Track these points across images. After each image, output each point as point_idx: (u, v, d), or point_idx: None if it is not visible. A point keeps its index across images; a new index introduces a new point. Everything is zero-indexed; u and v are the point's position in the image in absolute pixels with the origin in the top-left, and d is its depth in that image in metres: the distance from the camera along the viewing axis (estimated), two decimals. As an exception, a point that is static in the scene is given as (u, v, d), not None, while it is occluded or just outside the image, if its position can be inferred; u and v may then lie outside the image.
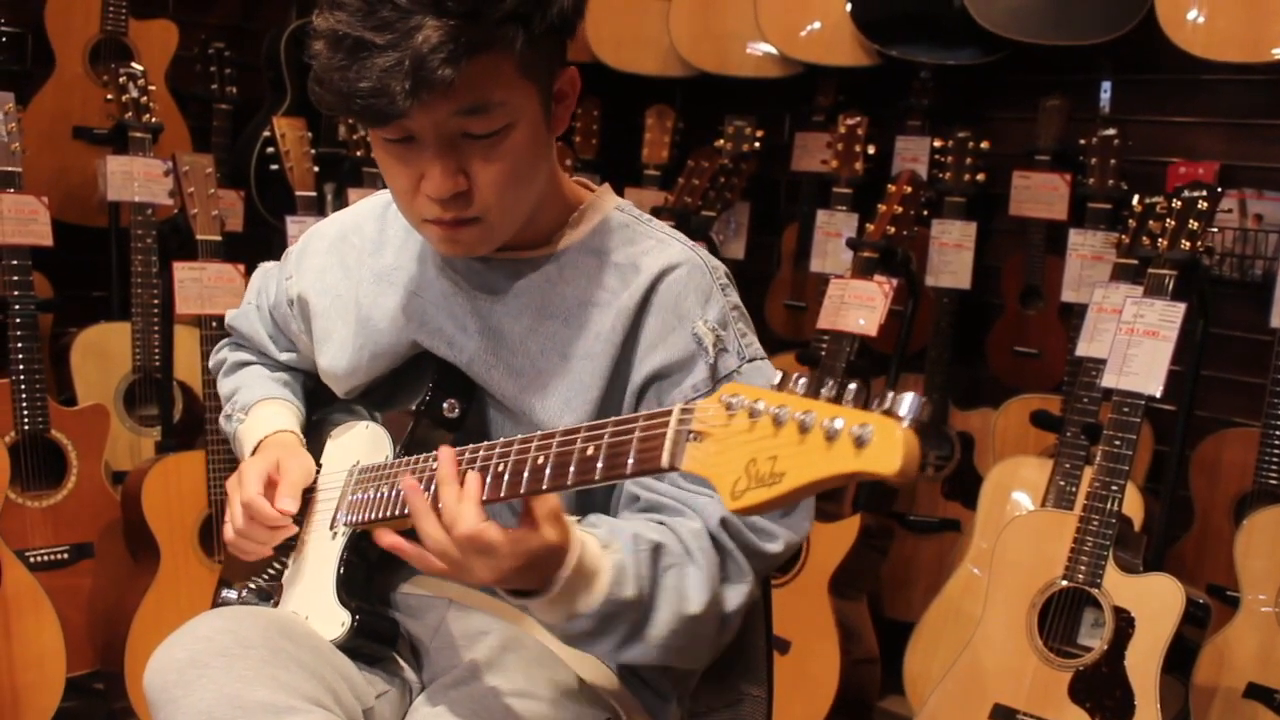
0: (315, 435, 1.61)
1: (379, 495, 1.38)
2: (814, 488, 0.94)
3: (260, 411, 1.61)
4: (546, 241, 1.43)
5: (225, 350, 1.77)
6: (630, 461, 1.08)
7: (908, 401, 0.91)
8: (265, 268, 1.73)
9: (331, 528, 1.46)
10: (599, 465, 1.11)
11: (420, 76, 1.18)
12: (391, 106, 1.20)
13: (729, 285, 1.43)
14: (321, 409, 1.63)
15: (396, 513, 1.34)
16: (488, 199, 1.31)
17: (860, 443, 0.90)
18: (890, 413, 0.91)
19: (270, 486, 1.46)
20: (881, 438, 0.90)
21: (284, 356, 1.68)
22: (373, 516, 1.38)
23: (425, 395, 1.44)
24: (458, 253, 1.39)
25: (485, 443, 1.25)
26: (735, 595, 1.32)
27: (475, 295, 1.44)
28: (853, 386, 0.94)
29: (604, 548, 1.24)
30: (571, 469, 1.14)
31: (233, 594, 1.58)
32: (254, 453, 1.55)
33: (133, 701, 2.69)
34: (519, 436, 1.20)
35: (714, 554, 1.30)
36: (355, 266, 1.53)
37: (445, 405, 1.43)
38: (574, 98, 1.38)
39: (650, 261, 1.40)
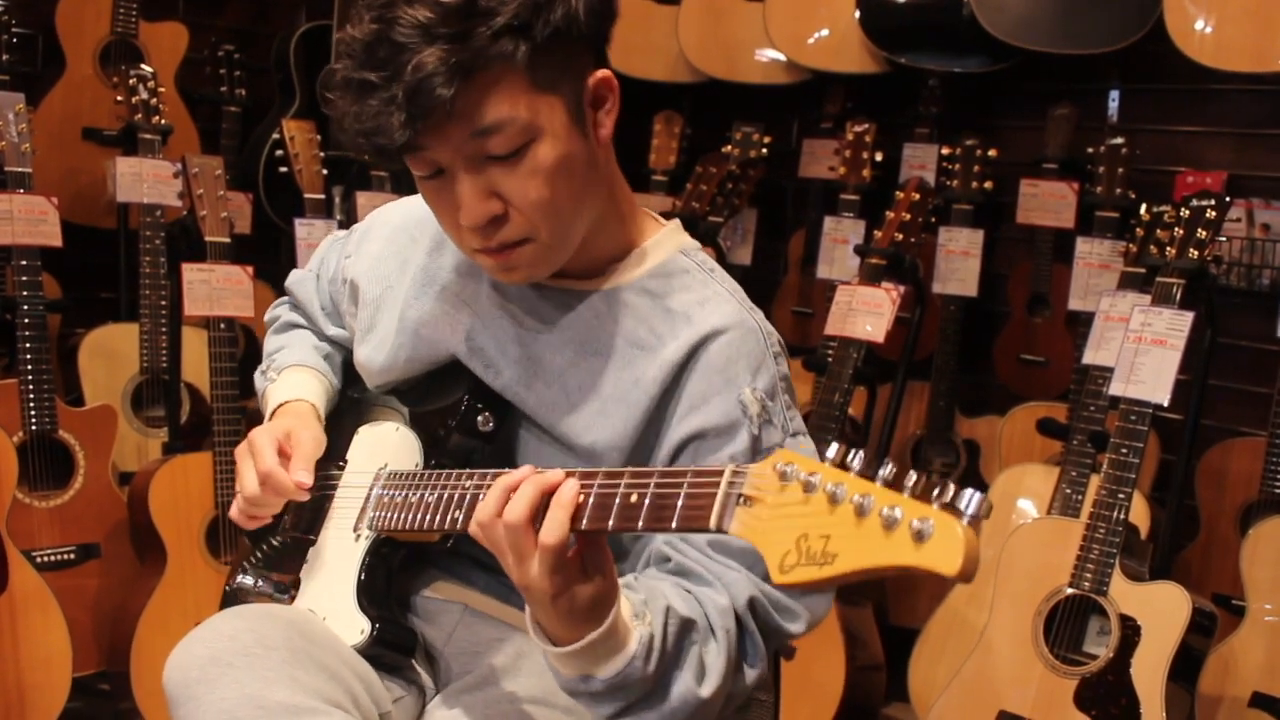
0: (353, 413, 1.59)
1: (406, 503, 1.37)
2: (866, 574, 0.92)
3: (290, 376, 1.60)
4: (601, 273, 1.40)
5: (282, 308, 1.75)
6: (676, 515, 1.06)
7: (969, 498, 0.88)
8: (334, 236, 1.71)
9: (355, 529, 1.45)
10: (642, 513, 1.08)
11: (416, 104, 1.17)
12: (390, 141, 1.20)
13: (781, 354, 1.39)
14: (360, 385, 1.60)
15: (424, 524, 1.33)
16: (531, 218, 1.27)
17: (920, 537, 0.88)
18: (951, 507, 0.89)
19: (282, 456, 1.46)
20: (942, 535, 0.87)
21: (332, 331, 1.66)
22: (400, 525, 1.37)
23: (460, 406, 1.42)
24: (517, 279, 1.35)
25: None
26: (745, 678, 1.30)
27: (521, 320, 1.41)
28: (913, 475, 0.91)
29: (636, 616, 1.21)
30: (614, 512, 1.10)
31: (249, 579, 1.56)
32: (271, 418, 1.55)
33: (138, 702, 2.69)
34: (561, 469, 1.17)
35: (736, 635, 1.28)
36: (412, 262, 1.50)
37: (480, 418, 1.41)
38: (614, 100, 1.33)
39: (704, 315, 1.36)
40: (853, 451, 0.96)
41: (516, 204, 1.27)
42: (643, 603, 1.23)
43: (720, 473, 1.04)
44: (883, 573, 0.91)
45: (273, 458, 1.44)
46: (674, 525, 1.06)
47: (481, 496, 1.23)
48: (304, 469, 1.45)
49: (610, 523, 1.11)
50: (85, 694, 2.82)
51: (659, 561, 1.35)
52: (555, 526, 1.12)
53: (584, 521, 1.13)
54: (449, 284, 1.47)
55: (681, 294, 1.38)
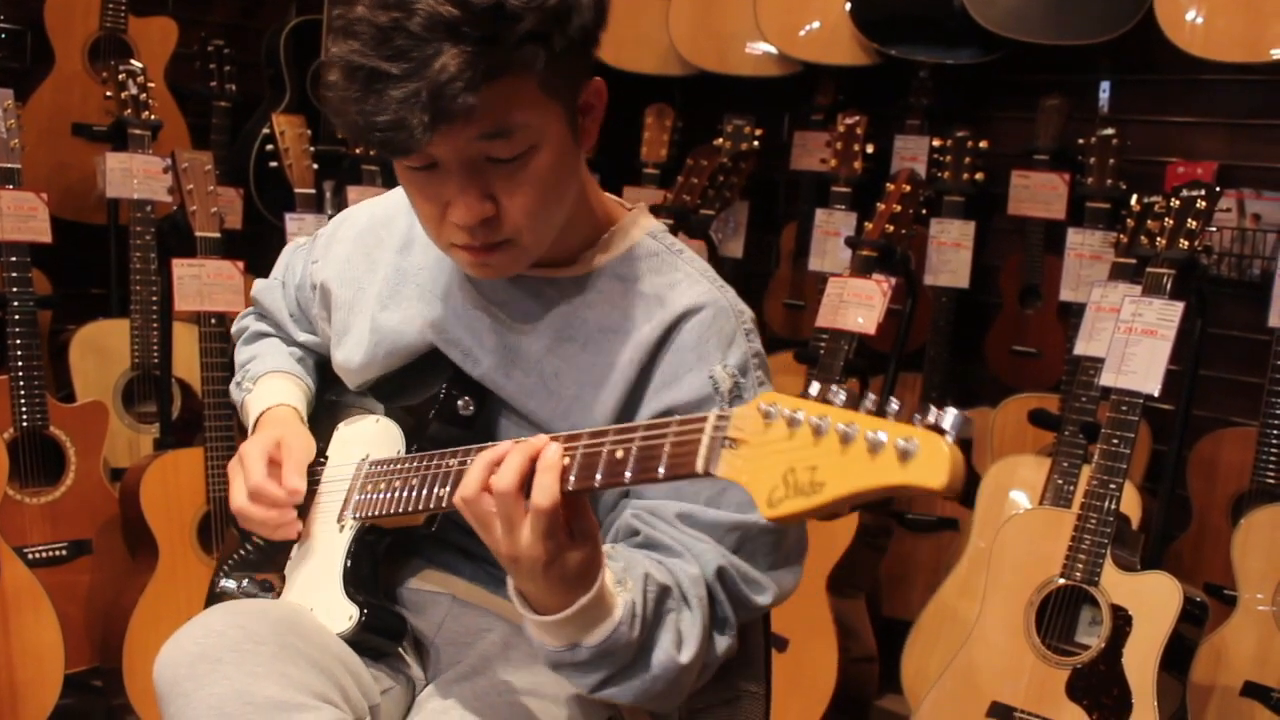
0: (329, 416, 1.59)
1: (390, 486, 1.37)
2: (855, 499, 0.92)
3: (267, 384, 1.61)
4: (573, 261, 1.40)
5: (249, 319, 1.75)
6: (663, 464, 1.06)
7: (951, 416, 0.90)
8: (296, 244, 1.70)
9: (339, 520, 1.45)
10: (629, 466, 1.09)
11: (439, 107, 1.14)
12: (410, 140, 1.16)
13: (753, 331, 1.40)
14: (336, 387, 1.61)
15: (409, 505, 1.33)
16: (518, 222, 1.27)
17: (905, 455, 0.89)
18: (934, 427, 0.90)
19: (273, 465, 1.46)
20: (927, 451, 0.89)
21: (302, 337, 1.66)
22: (384, 509, 1.37)
23: (440, 392, 1.42)
24: (489, 275, 1.36)
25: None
26: (718, 647, 1.31)
27: (495, 310, 1.42)
28: (894, 402, 0.93)
29: (619, 583, 1.22)
30: (600, 469, 1.11)
31: (231, 584, 1.56)
32: (254, 427, 1.55)
33: (130, 698, 2.69)
34: (544, 435, 1.18)
35: (708, 604, 1.29)
36: (381, 262, 1.51)
37: (460, 403, 1.42)
38: (601, 108, 1.34)
39: (676, 297, 1.37)
40: (834, 388, 0.96)
41: (507, 208, 1.26)
42: (623, 569, 1.24)
43: (704, 419, 1.04)
44: (872, 495, 0.92)
45: (261, 472, 1.44)
46: (661, 474, 1.06)
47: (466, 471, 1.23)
48: (296, 474, 1.45)
49: (598, 479, 1.11)
50: (78, 690, 2.82)
51: (627, 535, 1.35)
52: (545, 489, 1.13)
53: (572, 481, 1.13)
54: (421, 281, 1.47)
55: (652, 277, 1.40)
